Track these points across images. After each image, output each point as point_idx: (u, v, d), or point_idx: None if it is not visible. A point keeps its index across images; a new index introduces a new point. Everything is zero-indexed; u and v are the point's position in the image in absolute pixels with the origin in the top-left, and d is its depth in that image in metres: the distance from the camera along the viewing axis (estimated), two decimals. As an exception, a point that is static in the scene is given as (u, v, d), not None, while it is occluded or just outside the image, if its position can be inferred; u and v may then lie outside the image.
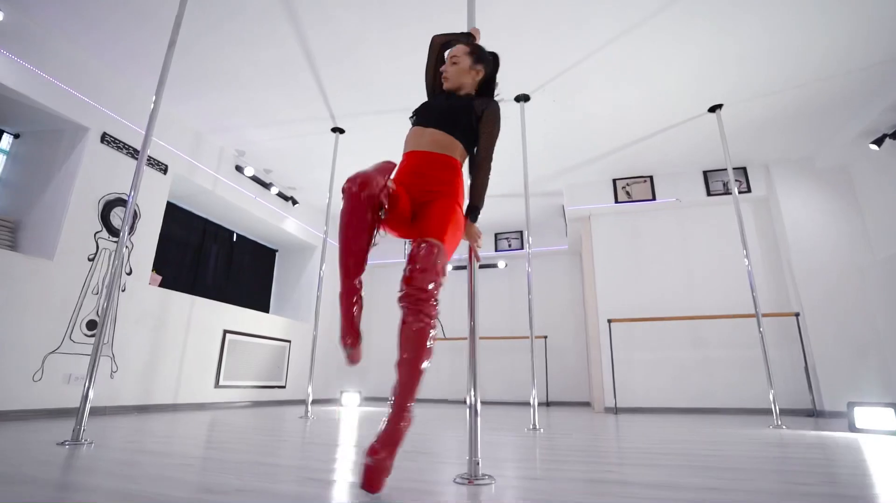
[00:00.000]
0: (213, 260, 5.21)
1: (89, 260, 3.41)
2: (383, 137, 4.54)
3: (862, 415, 2.87)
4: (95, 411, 3.34)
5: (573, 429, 3.17)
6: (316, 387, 6.00)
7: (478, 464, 1.41)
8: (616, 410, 4.70)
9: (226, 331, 4.65)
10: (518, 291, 7.00)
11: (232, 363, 4.69)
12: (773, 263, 4.86)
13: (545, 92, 3.87)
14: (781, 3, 2.94)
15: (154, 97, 2.57)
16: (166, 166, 4.06)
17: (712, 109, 4.03)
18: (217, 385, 4.49)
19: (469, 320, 1.62)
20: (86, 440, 2.00)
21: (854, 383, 4.09)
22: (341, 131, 4.40)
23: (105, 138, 3.54)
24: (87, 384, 2.08)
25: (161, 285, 4.24)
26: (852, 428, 2.89)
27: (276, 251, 6.38)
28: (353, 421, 3.56)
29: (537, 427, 3.05)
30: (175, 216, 4.72)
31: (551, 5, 2.98)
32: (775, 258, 4.87)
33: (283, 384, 5.44)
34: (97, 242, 3.46)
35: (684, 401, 4.68)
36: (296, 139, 4.62)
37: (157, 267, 4.30)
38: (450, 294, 6.78)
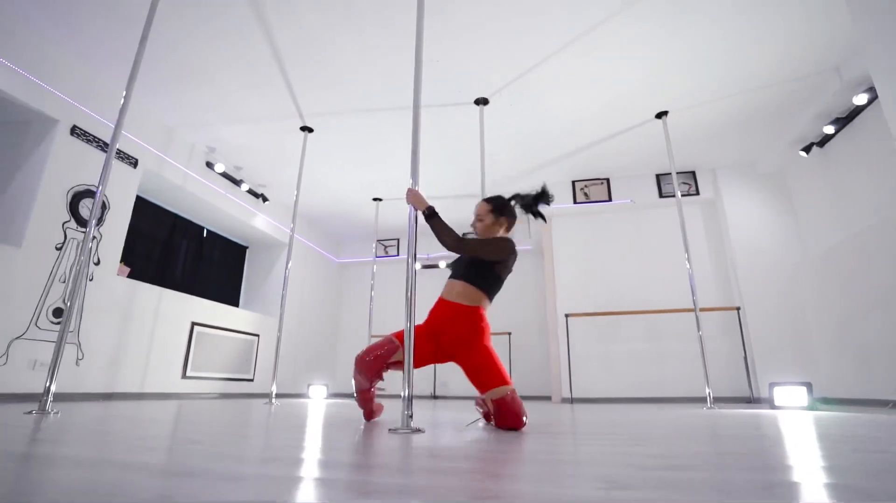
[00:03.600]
0: (183, 254, 5.28)
1: (57, 249, 3.48)
2: (351, 137, 4.71)
3: (780, 394, 3.18)
4: (60, 397, 3.40)
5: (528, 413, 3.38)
6: (284, 381, 6.10)
7: (410, 417, 1.60)
8: (572, 400, 4.95)
9: (194, 324, 4.74)
10: (486, 289, 7.21)
11: (200, 354, 4.77)
12: (719, 261, 5.20)
13: (503, 95, 4.10)
14: (726, 13, 3.22)
15: (125, 91, 2.69)
16: (136, 160, 4.14)
17: (658, 115, 4.34)
18: (184, 376, 4.56)
19: (406, 321, 1.81)
20: (53, 411, 2.11)
21: (783, 371, 4.42)
22: (310, 130, 4.56)
23: (75, 131, 3.62)
24: (57, 351, 2.19)
25: (130, 277, 4.31)
26: (772, 406, 3.19)
27: (247, 247, 6.47)
28: (317, 409, 3.70)
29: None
30: (145, 211, 4.79)
31: (506, 9, 3.21)
32: (721, 256, 5.22)
33: (251, 377, 5.53)
34: (65, 232, 3.53)
35: (637, 391, 4.96)
36: (266, 136, 4.75)
37: (126, 259, 4.37)
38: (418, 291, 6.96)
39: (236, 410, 3.01)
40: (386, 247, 7.79)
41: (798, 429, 1.68)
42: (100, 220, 3.80)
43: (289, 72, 3.77)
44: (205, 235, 5.68)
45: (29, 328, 3.27)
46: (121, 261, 4.10)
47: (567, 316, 5.21)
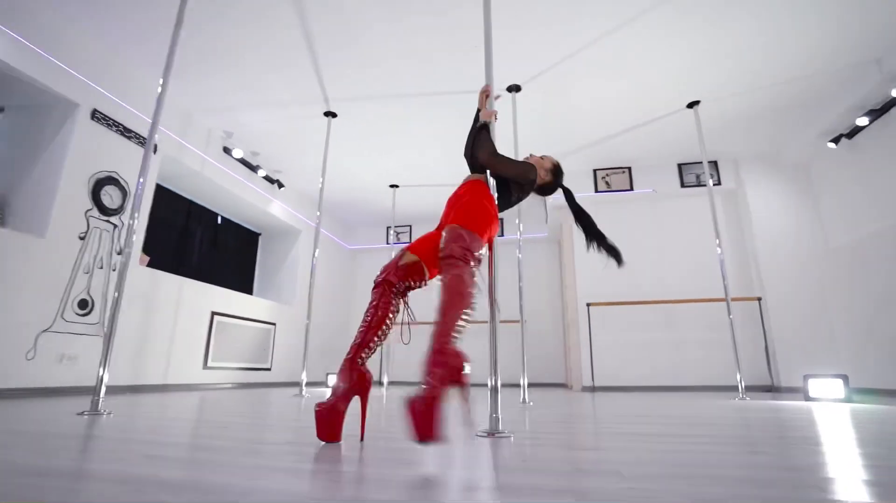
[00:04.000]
0: (199, 242, 5.17)
1: (80, 238, 3.37)
2: (374, 123, 4.60)
3: (815, 386, 3.21)
4: (88, 390, 3.33)
5: (556, 403, 3.39)
6: (299, 369, 6.06)
7: (498, 419, 1.57)
8: (593, 388, 4.98)
9: (214, 313, 4.66)
10: (499, 277, 7.18)
11: (219, 344, 4.70)
12: (738, 251, 5.21)
13: (536, 83, 4.01)
14: (766, 3, 3.16)
15: (161, 80, 2.56)
16: (156, 146, 4.00)
17: (690, 105, 4.28)
18: (205, 366, 4.50)
19: (489, 306, 1.76)
20: (105, 410, 2.05)
21: (807, 361, 4.48)
22: (334, 115, 4.43)
23: (96, 115, 3.47)
24: (104, 357, 2.13)
25: (149, 266, 4.21)
26: (807, 397, 3.22)
27: (260, 234, 6.35)
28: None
29: (527, 401, 3.26)
30: (160, 197, 4.65)
31: (548, 1, 3.12)
32: (741, 246, 5.22)
33: (269, 366, 5.48)
34: (88, 221, 3.42)
35: (657, 379, 5.00)
36: (286, 122, 4.62)
37: (146, 248, 4.26)
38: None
39: (280, 404, 2.96)
40: (399, 233, 7.72)
41: (871, 427, 1.67)
42: (122, 208, 3.68)
43: (319, 56, 3.64)
44: (219, 222, 5.55)
45: (55, 321, 3.18)
46: (142, 251, 4.00)
47: (589, 305, 5.21)
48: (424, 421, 1.15)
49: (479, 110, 2.03)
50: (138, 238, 3.84)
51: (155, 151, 3.99)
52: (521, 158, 2.05)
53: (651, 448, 1.28)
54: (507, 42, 3.50)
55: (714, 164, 5.34)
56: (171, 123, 4.19)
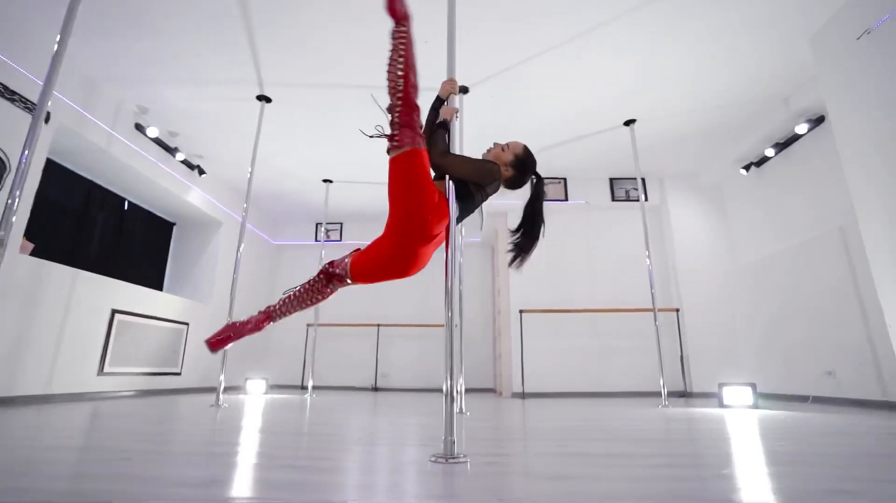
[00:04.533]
0: (100, 230, 4.53)
1: (-59, 219, 2.77)
2: (310, 113, 4.31)
3: (728, 394, 3.45)
4: (-56, 403, 2.75)
5: (492, 412, 3.36)
6: (213, 374, 5.54)
7: (453, 443, 1.45)
8: (523, 395, 5.04)
9: (115, 311, 4.09)
10: (429, 281, 7.10)
11: (120, 347, 4.14)
12: (661, 264, 5.55)
13: (484, 87, 3.98)
14: (709, 33, 3.35)
15: (59, 36, 2.16)
16: (48, 114, 3.42)
17: (627, 123, 4.48)
18: (101, 372, 3.94)
19: (446, 310, 1.63)
20: (-36, 435, 1.65)
21: (717, 369, 4.86)
22: (268, 100, 4.09)
23: (-31, 71, 2.89)
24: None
25: (33, 254, 3.59)
26: (721, 404, 3.46)
27: (174, 224, 5.73)
28: (263, 406, 3.36)
29: (464, 411, 3.18)
30: (53, 176, 4.01)
31: (508, 4, 3.08)
32: (663, 260, 5.58)
33: (178, 371, 4.94)
34: (-47, 198, 2.82)
35: (584, 385, 5.17)
36: (213, 103, 4.18)
37: (29, 234, 3.63)
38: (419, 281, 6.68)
39: (193, 418, 2.62)
40: (329, 231, 7.36)
41: (788, 428, 1.79)
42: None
43: (257, 34, 3.31)
44: (126, 208, 4.92)
45: None
46: (23, 236, 3.40)
47: (521, 312, 5.28)
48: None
49: (438, 101, 1.88)
50: (19, 221, 3.25)
51: (47, 121, 3.42)
52: (485, 151, 1.92)
53: (618, 474, 1.23)
54: (458, 42, 3.41)
55: (642, 180, 5.65)
56: (72, 91, 3.62)
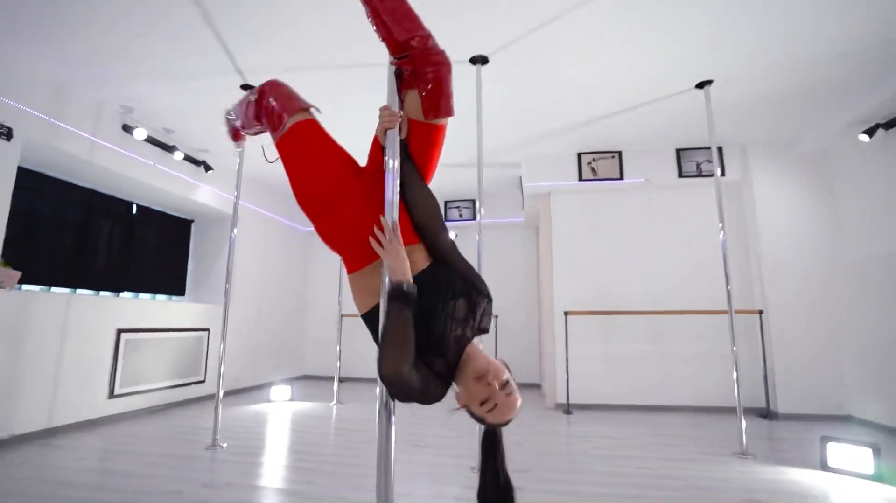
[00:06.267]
0: (106, 239, 4.27)
1: None
2: (305, 98, 3.68)
3: (835, 453, 2.63)
4: (-77, 461, 2.59)
5: (529, 431, 2.77)
6: (243, 375, 5.40)
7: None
8: (568, 408, 4.42)
9: (120, 331, 3.87)
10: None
11: (131, 366, 3.96)
12: (739, 255, 4.55)
13: (508, 53, 3.13)
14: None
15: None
16: (9, 129, 3.05)
17: (700, 85, 3.46)
18: (112, 395, 3.77)
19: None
20: None
21: (811, 389, 3.96)
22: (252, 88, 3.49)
23: None
24: None
25: (24, 282, 3.37)
26: (824, 466, 2.65)
27: (192, 221, 5.45)
28: (279, 437, 2.95)
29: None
30: (41, 189, 3.73)
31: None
32: (743, 249, 4.56)
33: (202, 378, 4.78)
34: None
35: (639, 397, 4.46)
36: (198, 96, 3.66)
37: (13, 260, 3.39)
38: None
39: (171, 474, 2.26)
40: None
41: None
42: (-39, 219, 2.79)
43: (212, 13, 2.68)
44: (135, 212, 4.64)
45: None
46: (5, 264, 3.14)
47: (567, 314, 4.56)
48: None
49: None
50: (-9, 255, 2.97)
51: (9, 138, 3.05)
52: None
53: None
54: (472, 4, 2.60)
55: (719, 150, 4.56)
56: (36, 99, 3.22)
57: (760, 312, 4.20)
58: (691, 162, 4.59)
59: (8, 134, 3.03)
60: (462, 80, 3.39)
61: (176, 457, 2.86)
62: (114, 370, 3.80)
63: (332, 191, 1.24)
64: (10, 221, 3.10)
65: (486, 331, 1.18)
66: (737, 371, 3.16)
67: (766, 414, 4.08)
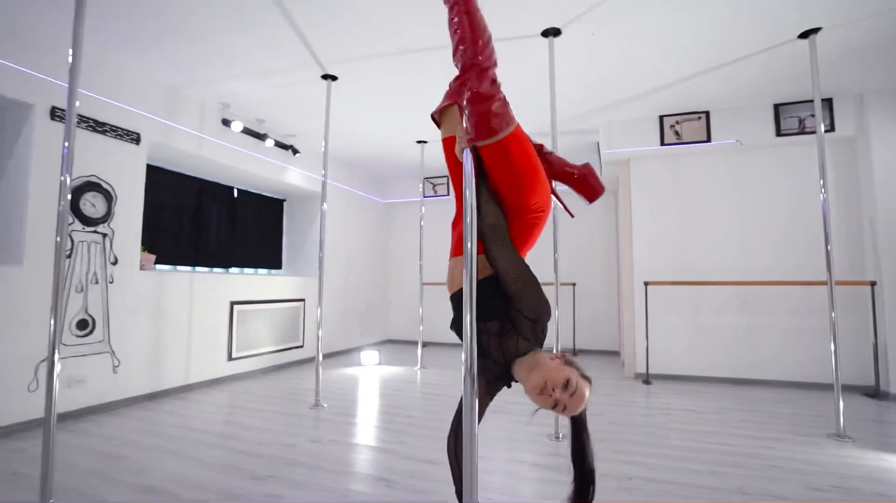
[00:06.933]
0: (215, 221, 4.85)
1: (66, 257, 3.09)
2: (382, 82, 3.81)
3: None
4: (101, 409, 3.27)
5: (606, 401, 2.86)
6: (335, 340, 5.93)
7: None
8: (647, 379, 4.39)
9: (233, 303, 4.44)
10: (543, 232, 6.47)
11: (244, 334, 4.55)
12: (849, 220, 4.11)
13: (581, 23, 3.01)
14: None
15: (72, 47, 2.00)
16: (138, 135, 3.54)
17: (804, 35, 3.09)
18: (230, 358, 4.39)
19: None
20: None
21: (930, 367, 3.59)
22: (334, 78, 3.70)
23: (56, 113, 3.01)
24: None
25: (157, 263, 3.97)
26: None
27: (284, 200, 5.96)
28: (374, 396, 3.34)
29: (560, 436, 2.77)
30: (165, 181, 4.29)
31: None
32: (853, 214, 4.11)
33: (301, 344, 5.36)
34: (71, 237, 3.11)
35: (725, 369, 4.31)
36: (284, 88, 3.94)
37: (149, 244, 3.99)
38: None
39: (287, 429, 2.68)
40: (435, 185, 7.08)
41: None
42: (108, 215, 3.34)
43: (292, 12, 2.86)
44: (235, 195, 5.18)
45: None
46: (143, 250, 3.72)
47: (647, 284, 4.46)
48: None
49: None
50: (133, 243, 3.53)
51: (138, 142, 3.54)
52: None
53: None
54: (539, -23, 2.53)
55: (828, 102, 4.06)
56: (155, 105, 3.68)
57: (873, 283, 3.81)
58: (793, 118, 4.14)
59: (137, 139, 3.51)
60: (530, 56, 3.35)
61: (286, 414, 3.31)
62: (230, 337, 4.40)
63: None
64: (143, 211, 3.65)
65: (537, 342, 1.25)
66: (835, 344, 2.94)
67: (875, 393, 3.77)
